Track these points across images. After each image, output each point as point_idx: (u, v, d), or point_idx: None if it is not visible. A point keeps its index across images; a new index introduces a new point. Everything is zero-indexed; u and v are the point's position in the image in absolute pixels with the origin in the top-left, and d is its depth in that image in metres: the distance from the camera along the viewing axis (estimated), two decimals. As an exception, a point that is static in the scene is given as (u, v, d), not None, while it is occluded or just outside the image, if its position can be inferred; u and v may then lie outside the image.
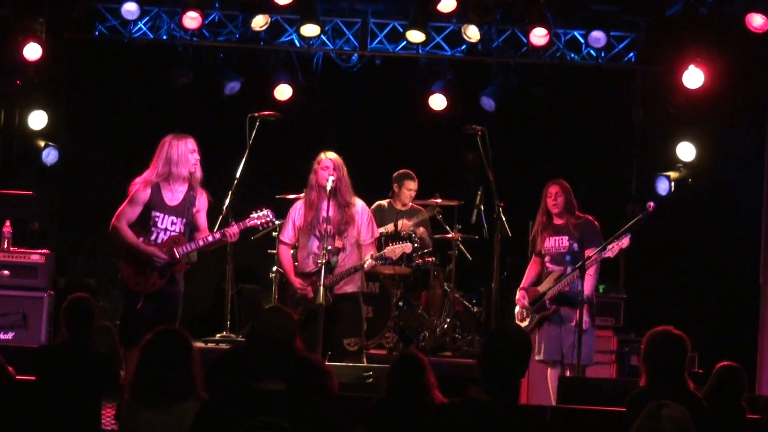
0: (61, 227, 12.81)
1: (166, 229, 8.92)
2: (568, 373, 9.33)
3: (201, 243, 8.98)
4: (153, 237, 8.91)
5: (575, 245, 9.49)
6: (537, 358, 9.50)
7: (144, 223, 8.90)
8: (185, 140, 8.96)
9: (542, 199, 9.72)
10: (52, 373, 6.90)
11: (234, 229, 9.02)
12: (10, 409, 6.76)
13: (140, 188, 8.88)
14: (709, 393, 6.92)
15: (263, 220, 9.25)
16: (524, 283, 9.81)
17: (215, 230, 9.14)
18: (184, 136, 8.97)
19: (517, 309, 9.78)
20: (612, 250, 9.27)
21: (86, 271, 12.03)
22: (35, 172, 12.40)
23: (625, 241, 9.28)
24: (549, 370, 9.58)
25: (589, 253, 9.34)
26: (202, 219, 9.10)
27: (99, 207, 9.11)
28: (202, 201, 9.08)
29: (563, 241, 9.56)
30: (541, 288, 9.58)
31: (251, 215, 9.27)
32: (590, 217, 9.65)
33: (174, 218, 8.93)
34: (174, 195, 8.94)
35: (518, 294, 9.80)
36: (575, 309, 9.32)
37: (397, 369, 6.17)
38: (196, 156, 8.98)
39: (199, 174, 9.01)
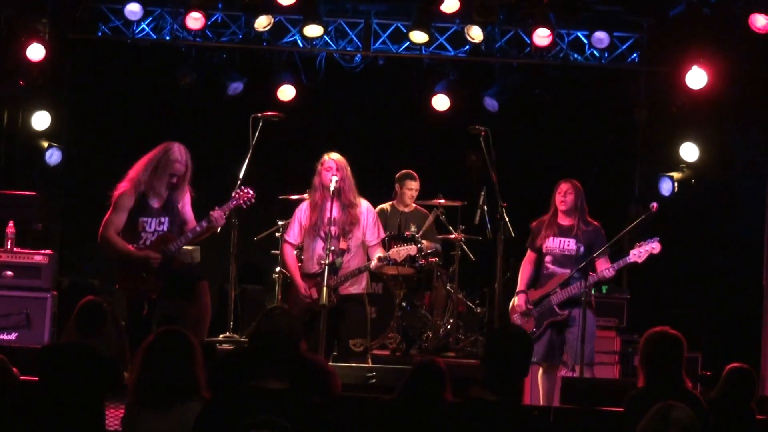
0: (65, 228, 12.83)
1: (155, 231, 8.99)
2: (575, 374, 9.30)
3: (190, 235, 9.09)
4: (142, 241, 8.95)
5: (582, 249, 9.33)
6: (533, 360, 9.43)
7: (132, 230, 8.96)
8: (180, 156, 9.01)
9: (552, 197, 9.63)
10: (56, 374, 6.90)
11: (217, 213, 9.06)
12: (13, 410, 6.76)
13: (124, 195, 8.92)
14: (720, 395, 6.92)
15: (245, 198, 9.28)
16: (522, 285, 9.63)
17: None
18: (178, 156, 9.02)
19: (516, 314, 9.58)
20: (640, 255, 9.13)
21: (89, 271, 12.04)
22: (38, 172, 12.41)
23: (656, 246, 9.12)
24: (541, 374, 9.51)
25: (601, 265, 9.25)
26: (188, 212, 9.17)
27: (102, 207, 9.10)
28: (185, 196, 9.13)
29: (569, 244, 9.39)
30: (544, 291, 9.46)
31: (233, 196, 9.32)
32: (598, 224, 9.52)
33: (162, 218, 9.02)
34: (158, 197, 8.99)
35: (517, 299, 9.63)
36: (591, 311, 9.31)
37: (417, 375, 6.13)
38: (175, 180, 9.01)
39: (183, 181, 9.08)
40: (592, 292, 10.54)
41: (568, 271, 9.32)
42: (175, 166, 9.04)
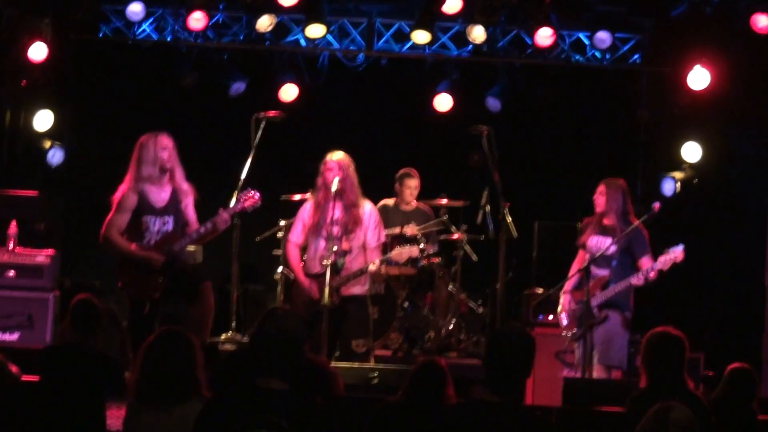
0: (67, 228, 12.80)
1: (158, 231, 8.96)
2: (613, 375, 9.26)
3: (194, 235, 9.04)
4: (146, 240, 8.93)
5: (620, 250, 9.23)
6: (573, 362, 9.40)
7: (136, 229, 8.94)
8: (156, 138, 8.99)
9: None
10: (57, 374, 6.90)
11: (223, 216, 9.03)
12: (14, 410, 6.76)
13: (126, 195, 8.90)
14: (721, 395, 6.91)
15: (251, 201, 9.26)
16: (568, 285, 9.54)
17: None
18: (157, 134, 9.02)
19: (562, 315, 9.49)
20: (665, 263, 9.04)
21: (92, 271, 12.02)
22: (41, 172, 12.41)
23: (679, 256, 9.03)
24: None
25: (644, 263, 9.18)
26: (190, 212, 9.14)
27: (104, 208, 9.11)
28: (188, 196, 9.11)
29: (605, 243, 9.29)
30: (584, 293, 9.24)
31: (239, 198, 9.31)
32: (640, 224, 9.38)
33: (165, 218, 8.99)
34: (160, 195, 8.98)
35: (562, 298, 9.55)
36: (618, 312, 9.27)
37: (419, 376, 6.14)
38: (168, 153, 8.98)
39: (176, 170, 9.03)
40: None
41: (606, 272, 9.26)
42: (159, 141, 9.01)
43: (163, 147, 8.99)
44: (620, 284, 9.18)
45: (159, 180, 9.00)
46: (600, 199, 9.46)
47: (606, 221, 9.43)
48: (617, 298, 9.26)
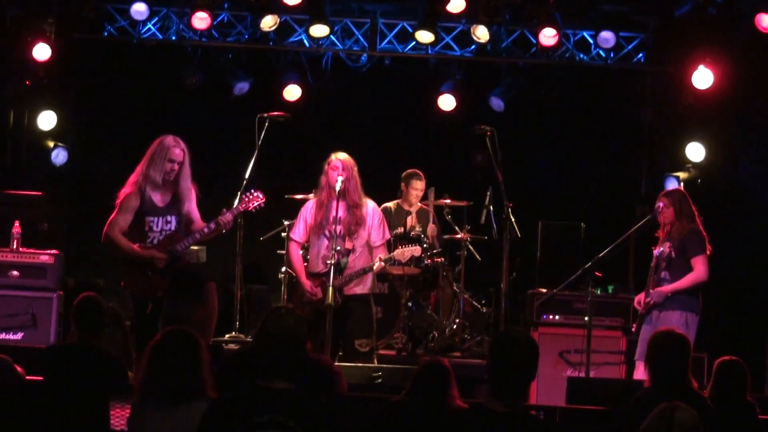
0: (70, 228, 12.83)
1: (162, 231, 8.91)
2: None
3: (198, 236, 8.96)
4: (149, 241, 8.90)
5: (673, 253, 9.23)
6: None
7: (139, 230, 8.88)
8: (170, 148, 8.83)
9: None
10: (61, 374, 6.90)
11: (227, 217, 8.97)
12: (18, 410, 6.76)
13: (130, 195, 8.84)
14: (713, 390, 6.90)
15: (255, 202, 9.24)
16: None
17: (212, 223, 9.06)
18: (172, 142, 8.86)
19: None
20: None
21: (95, 271, 12.03)
22: (44, 172, 12.42)
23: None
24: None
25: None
26: (193, 211, 9.07)
27: (108, 207, 9.09)
28: (191, 194, 9.07)
29: (666, 247, 9.29)
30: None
31: (242, 198, 9.28)
32: (696, 224, 9.39)
33: (168, 217, 8.92)
34: (163, 196, 8.91)
35: None
36: (668, 310, 9.24)
37: (422, 376, 6.14)
38: (175, 166, 8.85)
39: (183, 170, 8.91)
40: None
41: (664, 273, 9.28)
42: (173, 151, 8.87)
43: (172, 159, 8.87)
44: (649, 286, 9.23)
45: (161, 182, 8.96)
46: (666, 213, 9.36)
47: (668, 228, 9.40)
48: (673, 297, 9.22)
